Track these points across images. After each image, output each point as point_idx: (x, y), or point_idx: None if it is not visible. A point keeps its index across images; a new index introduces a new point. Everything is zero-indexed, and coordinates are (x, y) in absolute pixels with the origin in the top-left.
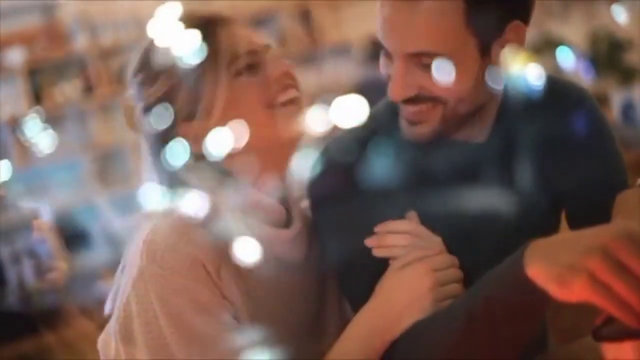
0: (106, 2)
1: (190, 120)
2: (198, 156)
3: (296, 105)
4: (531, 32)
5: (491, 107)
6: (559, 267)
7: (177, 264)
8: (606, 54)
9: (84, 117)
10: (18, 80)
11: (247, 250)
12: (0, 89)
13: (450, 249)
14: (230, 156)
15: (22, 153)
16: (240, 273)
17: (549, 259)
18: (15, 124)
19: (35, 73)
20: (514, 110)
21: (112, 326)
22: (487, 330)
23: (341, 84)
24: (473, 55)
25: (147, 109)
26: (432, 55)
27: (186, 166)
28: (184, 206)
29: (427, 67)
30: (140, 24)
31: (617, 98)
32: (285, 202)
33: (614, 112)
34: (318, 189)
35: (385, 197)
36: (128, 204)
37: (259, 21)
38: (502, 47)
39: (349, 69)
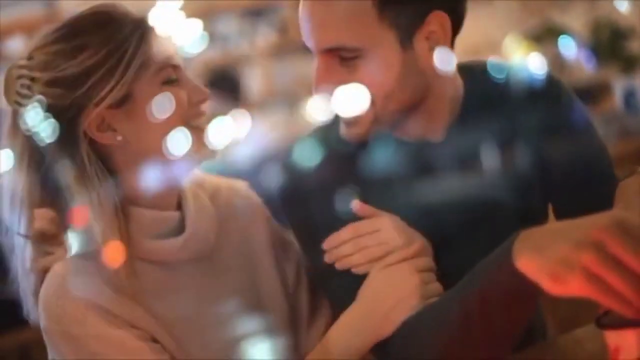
0: None
1: (113, 108)
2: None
3: (203, 134)
4: (532, 21)
5: (441, 104)
6: (551, 262)
7: (74, 316)
8: (608, 42)
9: None
10: None
11: (142, 270)
12: (1, 78)
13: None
14: (126, 162)
15: None
16: (145, 293)
17: (539, 251)
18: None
19: None
20: (481, 107)
21: None
22: (481, 321)
23: None
24: (393, 49)
25: (54, 82)
26: (348, 50)
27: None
28: (70, 243)
29: (348, 63)
30: (141, 13)
31: (619, 86)
32: (180, 207)
33: (616, 100)
34: (291, 187)
35: (369, 193)
36: None
37: (261, 11)
38: (427, 38)
39: None
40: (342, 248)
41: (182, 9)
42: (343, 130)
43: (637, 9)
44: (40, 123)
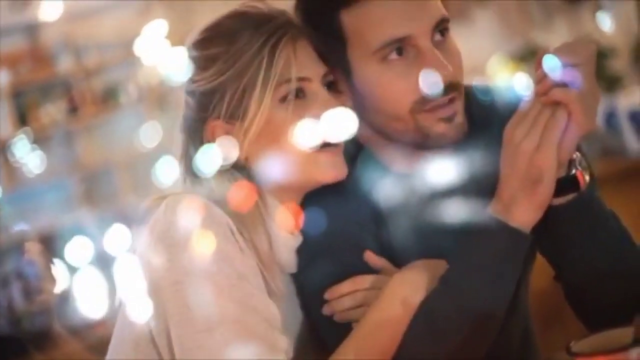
0: (90, 23)
1: (231, 121)
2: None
3: (335, 149)
4: (515, 42)
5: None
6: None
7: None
8: None
9: (70, 137)
10: (3, 103)
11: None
12: None
13: None
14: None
15: (10, 175)
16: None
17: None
18: (1, 146)
19: (20, 95)
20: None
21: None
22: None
23: None
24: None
25: (192, 92)
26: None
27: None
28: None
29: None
30: (124, 44)
31: (600, 106)
32: None
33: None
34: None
35: (370, 217)
36: (115, 223)
37: None
38: None
39: None
40: (342, 300)
41: (167, 37)
42: (439, 133)
43: (618, 28)
44: (26, 155)
